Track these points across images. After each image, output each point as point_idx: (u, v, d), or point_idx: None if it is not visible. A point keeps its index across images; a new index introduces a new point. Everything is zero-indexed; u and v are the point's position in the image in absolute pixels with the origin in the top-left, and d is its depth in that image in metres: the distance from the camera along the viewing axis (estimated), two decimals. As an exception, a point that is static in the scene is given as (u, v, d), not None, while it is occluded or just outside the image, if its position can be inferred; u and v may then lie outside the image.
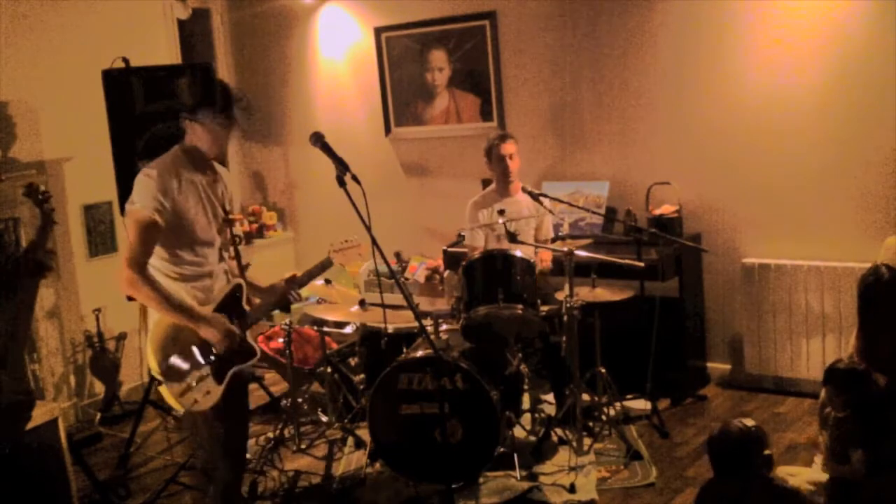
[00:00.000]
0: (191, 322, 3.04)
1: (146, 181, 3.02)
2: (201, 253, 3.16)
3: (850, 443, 3.51)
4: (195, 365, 3.10)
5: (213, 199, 3.20)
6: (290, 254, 6.99)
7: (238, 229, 6.57)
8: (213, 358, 3.11)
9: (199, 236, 3.13)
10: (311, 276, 3.45)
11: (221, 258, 3.28)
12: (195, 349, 3.10)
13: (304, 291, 6.25)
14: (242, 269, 3.39)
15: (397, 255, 6.12)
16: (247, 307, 3.27)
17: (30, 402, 3.82)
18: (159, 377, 3.05)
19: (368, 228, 2.95)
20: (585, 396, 4.43)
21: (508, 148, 4.75)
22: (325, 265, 3.49)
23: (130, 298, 3.25)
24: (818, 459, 3.76)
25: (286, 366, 4.75)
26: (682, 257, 4.96)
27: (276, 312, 6.19)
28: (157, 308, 3.04)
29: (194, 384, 3.08)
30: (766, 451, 2.91)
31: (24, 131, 5.20)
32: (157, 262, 3.10)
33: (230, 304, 3.19)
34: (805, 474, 3.75)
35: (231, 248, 3.34)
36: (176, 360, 3.08)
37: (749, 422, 2.96)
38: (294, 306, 6.27)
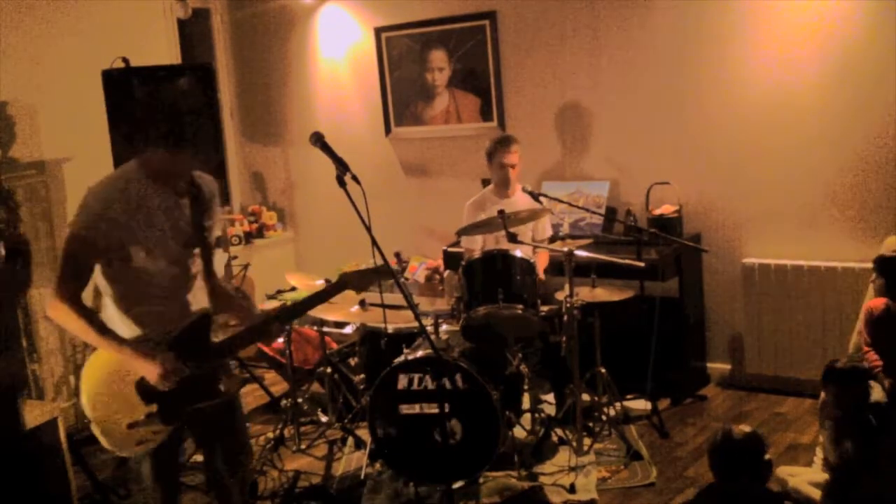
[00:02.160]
0: (126, 357, 2.73)
1: (89, 197, 2.75)
2: (155, 278, 2.83)
3: (846, 439, 3.51)
4: (135, 404, 2.78)
5: (174, 218, 2.85)
6: (290, 254, 6.99)
7: (238, 229, 6.57)
8: (158, 396, 2.78)
9: (149, 260, 2.80)
10: (310, 303, 3.15)
11: (186, 283, 2.92)
12: (137, 386, 2.79)
13: (304, 291, 6.28)
14: (220, 294, 3.06)
15: (397, 255, 6.13)
16: (215, 339, 2.94)
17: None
18: (89, 416, 2.75)
19: (368, 229, 2.95)
20: (585, 396, 4.43)
21: (511, 158, 4.71)
22: (333, 290, 3.18)
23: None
24: (818, 459, 3.76)
25: (286, 366, 4.75)
26: (682, 257, 4.95)
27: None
28: (89, 340, 2.77)
29: (126, 425, 2.76)
30: (767, 456, 2.92)
31: (24, 131, 5.19)
32: (105, 285, 2.83)
33: (188, 338, 2.85)
34: (805, 474, 3.75)
35: (209, 270, 3.01)
36: (112, 398, 2.76)
37: (746, 427, 2.96)
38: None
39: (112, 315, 2.85)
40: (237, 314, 3.10)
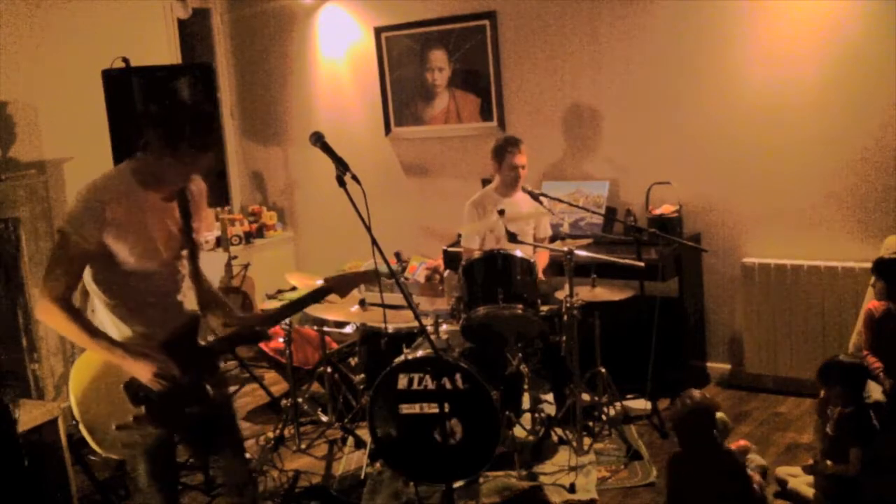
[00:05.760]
0: (117, 358, 2.70)
1: (83, 199, 2.69)
2: (145, 281, 2.82)
3: (850, 441, 3.51)
4: (123, 405, 2.75)
5: (165, 222, 2.84)
6: (290, 254, 6.99)
7: (238, 229, 6.58)
8: (147, 398, 2.77)
9: (141, 263, 2.78)
10: (293, 308, 3.15)
11: (176, 286, 2.93)
12: (126, 388, 2.77)
13: (304, 291, 6.26)
14: (207, 294, 3.03)
15: (397, 255, 6.13)
16: (203, 341, 2.96)
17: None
18: (77, 417, 2.71)
19: (368, 228, 2.95)
20: (585, 396, 4.43)
21: (522, 159, 4.72)
22: (316, 296, 3.15)
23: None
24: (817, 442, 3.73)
25: (286, 366, 4.75)
26: (682, 257, 4.96)
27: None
28: (78, 341, 2.74)
29: (114, 427, 2.74)
30: (719, 414, 3.38)
31: (24, 131, 5.20)
32: (95, 289, 2.81)
33: (179, 340, 2.85)
34: (805, 475, 3.75)
35: (196, 271, 2.99)
36: (100, 400, 2.74)
37: (697, 393, 3.39)
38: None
39: (103, 318, 2.84)
40: (224, 314, 3.06)
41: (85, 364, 2.78)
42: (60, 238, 2.70)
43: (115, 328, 2.83)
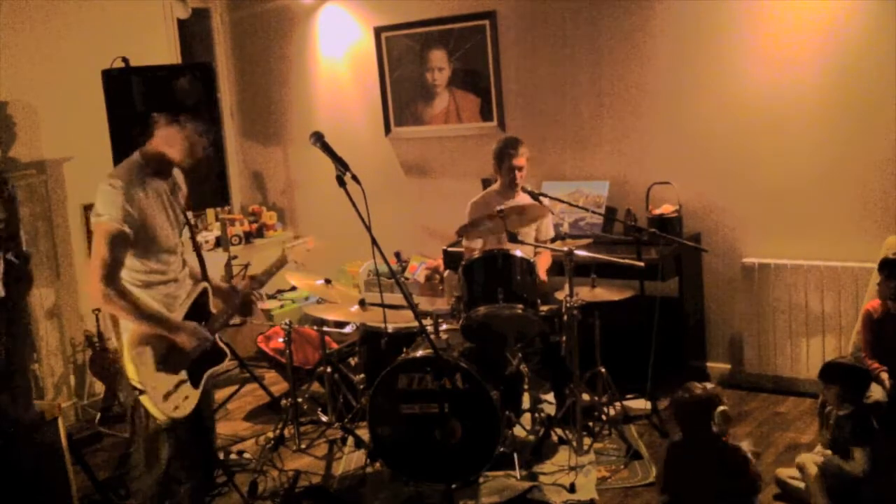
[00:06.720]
0: (166, 330, 3.08)
1: (111, 191, 3.00)
2: (165, 260, 3.19)
3: (851, 441, 3.51)
4: (171, 371, 3.13)
5: (174, 205, 3.24)
6: (289, 254, 6.97)
7: (238, 229, 6.58)
8: (188, 363, 3.18)
9: (163, 244, 3.15)
10: (269, 274, 3.62)
11: (183, 263, 3.33)
12: (169, 355, 3.12)
13: (304, 291, 6.26)
14: (205, 271, 3.40)
15: (397, 255, 6.13)
16: (213, 310, 3.34)
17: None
18: (139, 386, 3.03)
19: (368, 228, 2.95)
20: (585, 396, 4.43)
21: (521, 160, 4.71)
22: (280, 263, 3.72)
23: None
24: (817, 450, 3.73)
25: (286, 366, 4.76)
26: (682, 257, 4.96)
27: (276, 312, 6.20)
28: (132, 320, 3.05)
29: (172, 390, 3.11)
30: (722, 408, 3.29)
31: (24, 131, 5.19)
32: (124, 272, 3.09)
33: (198, 309, 3.26)
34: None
35: (191, 251, 3.39)
36: (153, 369, 3.08)
37: (698, 387, 3.38)
38: (293, 306, 6.29)
39: (136, 294, 3.10)
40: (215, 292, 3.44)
41: (132, 342, 3.06)
42: (107, 233, 2.98)
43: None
